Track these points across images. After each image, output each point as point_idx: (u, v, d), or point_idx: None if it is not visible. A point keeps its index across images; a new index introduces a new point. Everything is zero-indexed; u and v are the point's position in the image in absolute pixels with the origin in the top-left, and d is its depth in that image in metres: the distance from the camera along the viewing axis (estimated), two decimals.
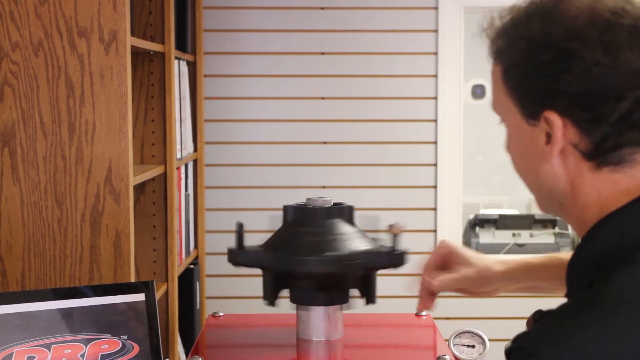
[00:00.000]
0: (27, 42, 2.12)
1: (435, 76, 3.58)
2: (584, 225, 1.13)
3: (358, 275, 1.64)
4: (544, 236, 3.94)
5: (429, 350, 1.71)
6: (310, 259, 1.55)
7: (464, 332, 1.68)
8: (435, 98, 3.58)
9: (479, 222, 4.01)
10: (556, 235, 3.93)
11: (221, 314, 1.85)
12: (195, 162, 3.42)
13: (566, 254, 1.51)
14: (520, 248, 3.89)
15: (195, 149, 3.43)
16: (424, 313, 1.85)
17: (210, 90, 3.56)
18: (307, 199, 1.68)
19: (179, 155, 2.94)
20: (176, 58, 2.89)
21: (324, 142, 3.60)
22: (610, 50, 1.07)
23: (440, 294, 1.57)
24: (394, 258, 1.61)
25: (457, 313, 3.49)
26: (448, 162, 3.60)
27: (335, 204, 1.68)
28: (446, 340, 1.69)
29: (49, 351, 1.54)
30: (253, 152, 3.59)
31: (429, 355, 1.67)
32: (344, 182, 3.59)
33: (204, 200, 3.49)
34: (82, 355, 1.56)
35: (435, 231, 3.61)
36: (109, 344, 1.59)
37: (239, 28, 3.56)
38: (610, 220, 1.10)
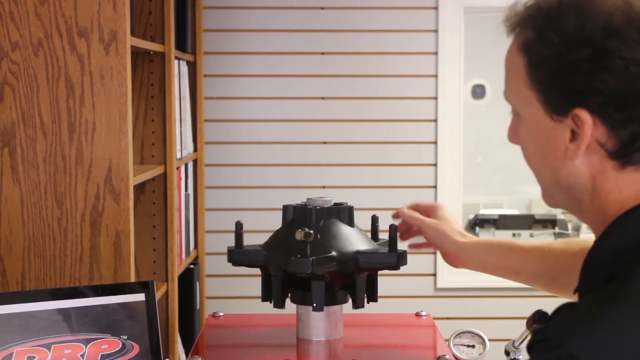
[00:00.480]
0: (27, 42, 2.12)
1: (435, 76, 3.58)
2: (602, 222, 1.13)
3: (358, 275, 1.63)
4: (544, 236, 3.93)
5: (429, 350, 1.71)
6: (310, 259, 1.55)
7: (464, 332, 1.68)
8: (435, 98, 3.58)
9: (479, 222, 4.01)
10: (556, 235, 3.93)
11: (221, 314, 1.85)
12: (195, 162, 3.42)
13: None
14: None
15: (195, 149, 3.43)
16: (424, 313, 1.85)
17: (210, 90, 3.56)
18: (307, 199, 1.68)
19: (179, 155, 2.94)
20: (176, 58, 2.89)
21: (324, 142, 3.60)
22: None
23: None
24: (393, 258, 1.61)
25: (457, 313, 3.49)
26: (448, 162, 3.60)
27: (335, 204, 1.68)
28: (446, 340, 1.69)
29: (49, 351, 1.54)
30: (253, 152, 3.59)
31: (429, 355, 1.67)
32: (344, 182, 3.59)
33: (203, 200, 3.49)
34: (82, 355, 1.56)
35: None
36: (109, 344, 1.59)
37: (239, 28, 3.56)
38: (631, 216, 1.09)
